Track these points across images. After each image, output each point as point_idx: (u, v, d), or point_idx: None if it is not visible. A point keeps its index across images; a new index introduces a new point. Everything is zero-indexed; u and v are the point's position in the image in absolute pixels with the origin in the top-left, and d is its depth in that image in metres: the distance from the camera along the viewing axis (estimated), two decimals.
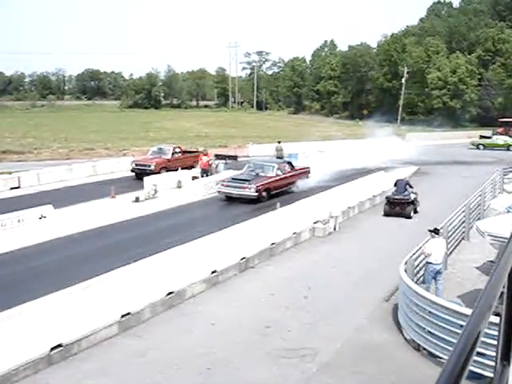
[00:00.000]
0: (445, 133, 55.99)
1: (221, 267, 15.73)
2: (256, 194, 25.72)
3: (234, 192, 26.12)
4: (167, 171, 31.90)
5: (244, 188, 25.91)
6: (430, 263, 13.69)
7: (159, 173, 31.46)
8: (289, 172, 28.73)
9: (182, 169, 32.33)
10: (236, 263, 16.46)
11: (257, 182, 26.28)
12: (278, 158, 39.89)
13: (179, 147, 36.11)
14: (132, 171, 33.30)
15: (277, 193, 26.90)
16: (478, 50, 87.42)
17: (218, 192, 26.98)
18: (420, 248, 14.07)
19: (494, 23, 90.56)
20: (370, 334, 12.23)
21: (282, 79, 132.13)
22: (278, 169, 27.93)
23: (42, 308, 10.92)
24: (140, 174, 32.26)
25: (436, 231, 14.15)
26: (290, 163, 29.85)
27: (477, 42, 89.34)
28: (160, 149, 35.24)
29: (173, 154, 34.37)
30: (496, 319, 1.76)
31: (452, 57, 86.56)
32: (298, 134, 55.54)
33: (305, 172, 30.29)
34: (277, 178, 27.44)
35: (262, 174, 27.31)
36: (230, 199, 26.25)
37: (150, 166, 32.50)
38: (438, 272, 13.77)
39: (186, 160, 34.82)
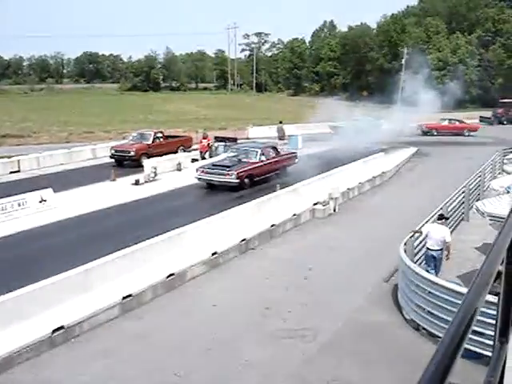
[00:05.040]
0: (445, 114, 55.64)
1: (221, 249, 15.80)
2: (237, 181, 24.24)
3: (215, 179, 24.75)
4: (148, 157, 29.89)
5: (224, 175, 24.44)
6: (427, 248, 13.66)
7: (140, 159, 30.28)
8: (274, 157, 27.07)
9: (166, 154, 31.00)
10: (236, 245, 16.51)
11: (238, 168, 24.73)
12: (279, 139, 39.83)
13: (161, 132, 34.55)
14: (111, 157, 31.83)
15: (261, 179, 25.71)
16: (478, 31, 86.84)
17: (198, 179, 25.39)
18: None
19: (494, 3, 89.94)
20: (369, 315, 12.30)
21: (281, 61, 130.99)
22: (261, 154, 26.28)
23: (43, 290, 10.99)
24: (120, 160, 31.53)
25: (440, 217, 14.11)
26: (274, 148, 28.30)
27: (477, 22, 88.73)
28: (141, 134, 33.54)
29: (154, 139, 32.61)
30: (495, 299, 1.78)
31: (452, 37, 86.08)
32: (298, 115, 55.08)
33: (292, 157, 28.87)
34: (260, 163, 25.88)
35: (245, 160, 25.73)
36: (212, 187, 25.09)
37: (129, 152, 31.22)
38: (433, 257, 13.54)
39: (168, 145, 33.25)
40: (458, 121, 51.34)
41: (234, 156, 26.66)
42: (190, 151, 34.04)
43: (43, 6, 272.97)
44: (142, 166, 28.45)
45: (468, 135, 48.92)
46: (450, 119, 51.05)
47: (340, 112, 43.39)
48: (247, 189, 24.51)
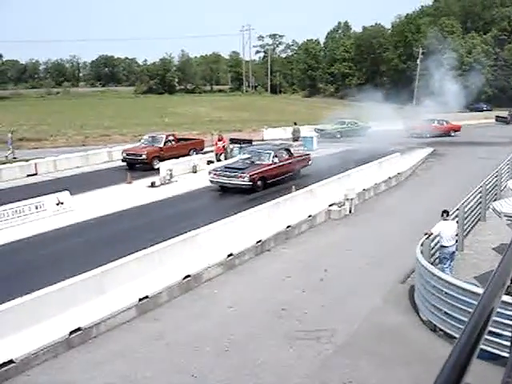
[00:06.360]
0: (462, 114, 55.20)
1: (237, 250, 15.81)
2: (250, 183, 24.05)
3: (227, 181, 24.57)
4: (160, 160, 29.95)
5: (237, 177, 24.22)
6: (444, 246, 13.72)
7: (151, 162, 30.57)
8: (287, 159, 26.85)
9: (177, 157, 30.89)
10: (252, 246, 16.52)
11: (251, 170, 24.52)
12: (294, 140, 39.87)
13: (173, 135, 34.45)
14: (123, 161, 31.92)
15: (274, 182, 25.50)
16: (493, 30, 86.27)
17: (211, 182, 25.16)
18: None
19: (510, 2, 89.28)
20: (386, 316, 12.25)
21: (295, 62, 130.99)
22: (274, 156, 26.03)
23: (60, 292, 11.07)
24: (131, 163, 31.45)
25: (446, 213, 14.14)
26: (288, 150, 28.14)
27: (492, 21, 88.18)
28: (152, 137, 33.50)
29: (166, 142, 32.56)
30: None
31: (467, 37, 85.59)
32: (314, 116, 55.05)
33: (305, 159, 28.66)
34: (273, 165, 25.60)
35: (258, 162, 25.54)
36: (225, 189, 24.93)
37: (141, 156, 31.21)
38: (451, 252, 13.90)
39: (180, 148, 33.13)
40: (445, 121, 49.26)
41: (246, 158, 26.49)
42: (204, 153, 34.07)
43: (59, 10, 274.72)
44: (154, 169, 28.59)
45: (453, 135, 47.84)
46: (438, 120, 48.70)
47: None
48: (260, 191, 24.36)
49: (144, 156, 31.12)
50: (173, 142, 33.29)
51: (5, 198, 20.81)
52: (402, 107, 55.81)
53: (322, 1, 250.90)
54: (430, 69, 52.24)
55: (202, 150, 35.09)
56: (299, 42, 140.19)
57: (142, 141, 33.95)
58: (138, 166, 31.23)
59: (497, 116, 60.92)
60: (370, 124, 45.91)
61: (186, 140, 35.67)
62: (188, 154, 32.96)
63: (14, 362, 9.86)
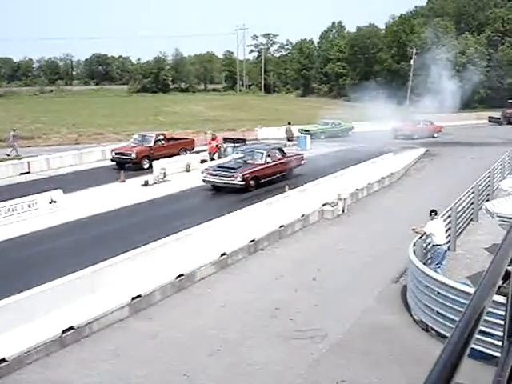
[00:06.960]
0: (454, 114, 55.11)
1: (230, 250, 15.81)
2: (242, 182, 24.03)
3: (220, 181, 24.53)
4: (150, 160, 29.88)
5: (230, 177, 24.19)
6: (438, 245, 13.77)
7: (141, 162, 30.41)
8: (280, 159, 26.87)
9: (167, 157, 30.52)
10: (245, 246, 16.52)
11: (243, 170, 24.51)
12: (288, 139, 39.91)
13: (163, 134, 34.10)
14: (112, 160, 31.59)
15: (267, 181, 25.51)
16: (487, 31, 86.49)
17: (203, 181, 25.09)
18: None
19: (503, 3, 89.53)
20: (378, 315, 12.28)
21: (289, 62, 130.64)
22: (267, 155, 26.00)
23: (53, 291, 11.05)
24: (120, 163, 30.99)
25: (434, 212, 14.21)
26: (281, 149, 28.10)
27: (486, 22, 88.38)
28: (142, 136, 33.00)
29: (156, 141, 32.14)
30: (504, 299, 1.78)
31: (461, 37, 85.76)
32: (308, 116, 54.99)
33: (298, 158, 28.63)
34: (266, 165, 25.61)
35: (250, 162, 25.56)
36: (218, 188, 24.94)
37: (130, 155, 30.79)
38: (445, 251, 14.07)
39: (170, 147, 32.80)
40: (429, 122, 47.82)
41: (239, 158, 26.45)
42: (197, 152, 33.96)
43: (52, 8, 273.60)
44: (144, 169, 28.54)
45: (436, 136, 47.18)
46: (423, 121, 47.39)
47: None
48: (253, 191, 24.34)
49: (133, 155, 30.76)
50: (163, 142, 32.99)
51: None
52: (396, 107, 55.81)
53: (316, 1, 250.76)
54: (424, 69, 52.16)
55: (192, 149, 34.82)
56: (293, 41, 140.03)
57: (132, 140, 33.64)
58: (127, 166, 30.74)
59: (490, 117, 60.96)
60: (353, 125, 45.99)
61: (176, 139, 35.35)
62: (178, 154, 32.69)
63: (6, 361, 9.84)
